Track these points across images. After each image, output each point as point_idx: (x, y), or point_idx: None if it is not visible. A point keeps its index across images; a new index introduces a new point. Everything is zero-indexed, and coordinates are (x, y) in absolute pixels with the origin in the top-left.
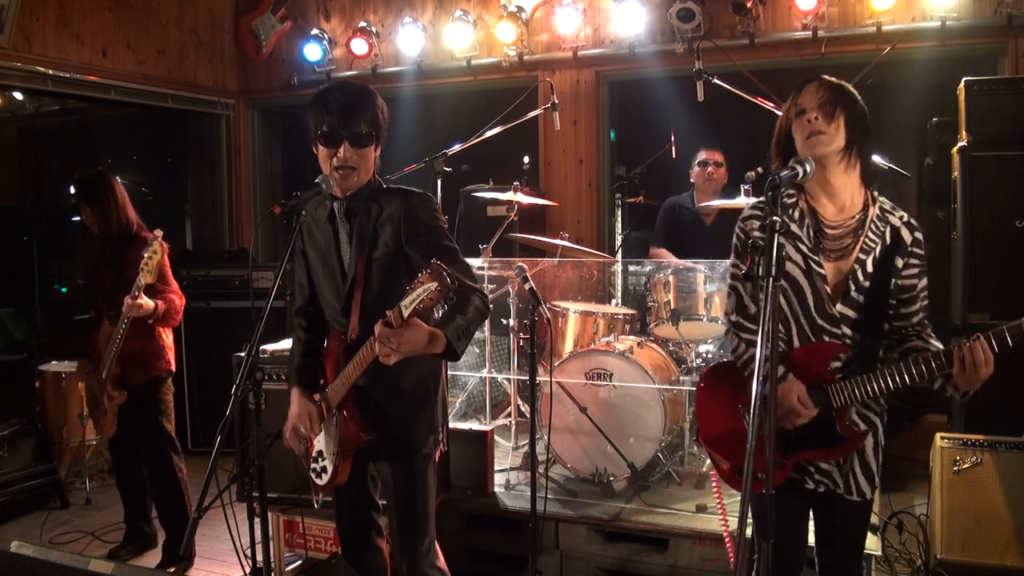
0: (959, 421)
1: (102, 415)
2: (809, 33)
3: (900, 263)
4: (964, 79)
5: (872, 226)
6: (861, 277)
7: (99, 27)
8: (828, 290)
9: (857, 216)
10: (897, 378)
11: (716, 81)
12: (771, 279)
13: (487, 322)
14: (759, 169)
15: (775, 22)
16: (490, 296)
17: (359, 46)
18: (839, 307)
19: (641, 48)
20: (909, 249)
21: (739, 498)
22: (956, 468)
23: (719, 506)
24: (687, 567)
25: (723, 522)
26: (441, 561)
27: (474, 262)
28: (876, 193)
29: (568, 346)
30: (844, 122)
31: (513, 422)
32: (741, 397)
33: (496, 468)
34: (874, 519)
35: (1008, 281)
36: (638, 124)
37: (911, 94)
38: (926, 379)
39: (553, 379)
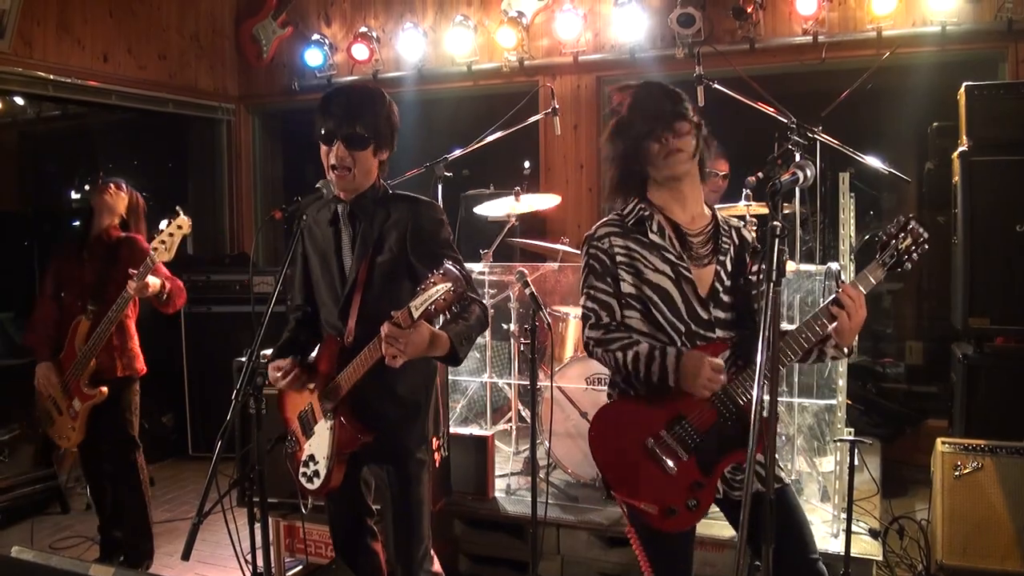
0: (960, 426)
1: (70, 421)
2: (809, 38)
3: (748, 260)
4: (964, 84)
5: (721, 231)
6: (724, 277)
7: (100, 32)
8: (700, 295)
9: (710, 223)
10: (789, 353)
11: (716, 86)
12: (772, 283)
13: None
14: (759, 174)
15: (775, 27)
16: (491, 301)
17: (360, 51)
18: (712, 311)
19: (641, 53)
20: (753, 246)
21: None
22: (957, 473)
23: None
24: None
25: None
26: (437, 566)
27: (475, 267)
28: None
29: (569, 351)
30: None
31: (514, 427)
32: (645, 432)
33: (497, 473)
34: (875, 524)
35: (1009, 286)
36: None
37: (911, 99)
38: (814, 342)
39: (554, 384)
